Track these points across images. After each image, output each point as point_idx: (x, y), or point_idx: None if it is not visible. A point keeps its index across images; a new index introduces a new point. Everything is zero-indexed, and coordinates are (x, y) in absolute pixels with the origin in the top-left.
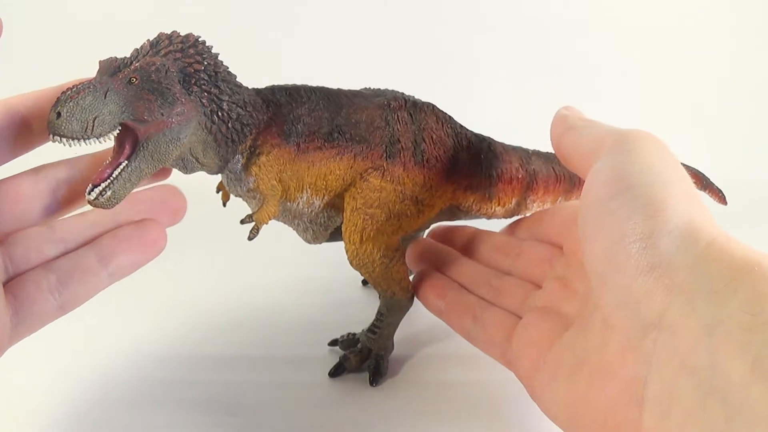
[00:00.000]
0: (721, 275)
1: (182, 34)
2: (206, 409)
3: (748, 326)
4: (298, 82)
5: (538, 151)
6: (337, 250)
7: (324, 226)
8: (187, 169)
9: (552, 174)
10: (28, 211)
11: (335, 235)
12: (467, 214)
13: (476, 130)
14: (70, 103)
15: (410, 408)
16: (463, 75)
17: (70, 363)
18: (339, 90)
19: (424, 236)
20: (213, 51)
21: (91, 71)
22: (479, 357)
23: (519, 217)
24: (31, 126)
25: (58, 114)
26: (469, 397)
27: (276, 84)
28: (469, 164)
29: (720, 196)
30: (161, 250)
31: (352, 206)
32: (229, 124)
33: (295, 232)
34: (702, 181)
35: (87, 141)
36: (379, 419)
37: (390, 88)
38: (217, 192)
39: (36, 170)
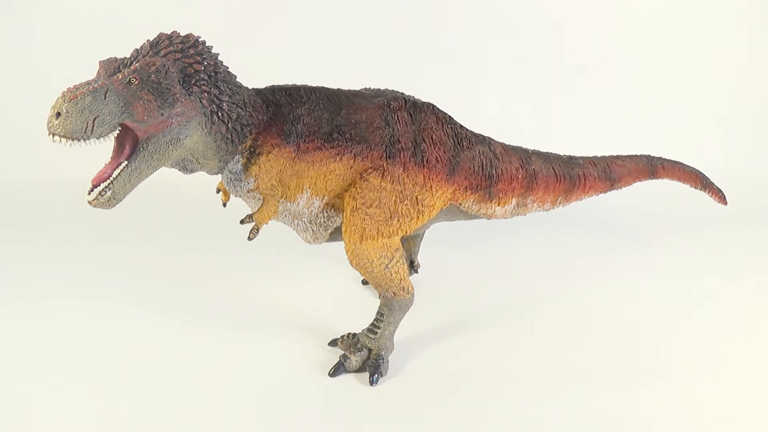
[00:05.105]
0: None
1: (182, 34)
2: (204, 408)
3: None
4: (298, 82)
5: (538, 151)
6: (336, 249)
7: (324, 226)
8: (187, 169)
9: (552, 174)
10: None
11: (335, 235)
12: (467, 214)
13: (476, 130)
14: (70, 104)
15: (410, 408)
16: (463, 75)
17: (70, 358)
18: (339, 90)
19: (424, 237)
20: (213, 51)
21: (91, 71)
22: (480, 357)
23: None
24: None
25: (58, 114)
26: (470, 397)
27: (276, 84)
28: (469, 164)
29: (720, 196)
30: None
31: (351, 206)
32: (229, 125)
33: (294, 232)
34: (702, 181)
35: (87, 141)
36: (379, 419)
37: (390, 88)
38: (217, 192)
39: None
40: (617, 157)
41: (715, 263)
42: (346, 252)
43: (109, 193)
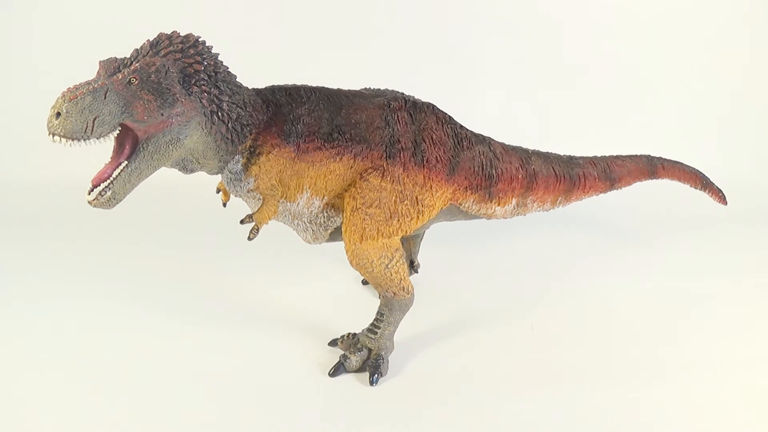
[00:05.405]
0: None
1: (182, 34)
2: (204, 408)
3: None
4: (298, 82)
5: (538, 151)
6: (337, 249)
7: (324, 226)
8: (186, 169)
9: (552, 174)
10: None
11: (335, 235)
12: (467, 214)
13: (476, 130)
14: (70, 104)
15: (410, 408)
16: (463, 75)
17: (70, 358)
18: (339, 90)
19: (423, 237)
20: (213, 51)
21: (91, 71)
22: (480, 357)
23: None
24: None
25: (58, 114)
26: (470, 397)
27: (276, 84)
28: (469, 164)
29: (720, 196)
30: None
31: (351, 206)
32: (229, 125)
33: (294, 232)
34: (702, 181)
35: (87, 141)
36: (379, 419)
37: (390, 88)
38: (217, 192)
39: None
40: (617, 157)
41: (715, 263)
42: (346, 252)
43: (109, 193)
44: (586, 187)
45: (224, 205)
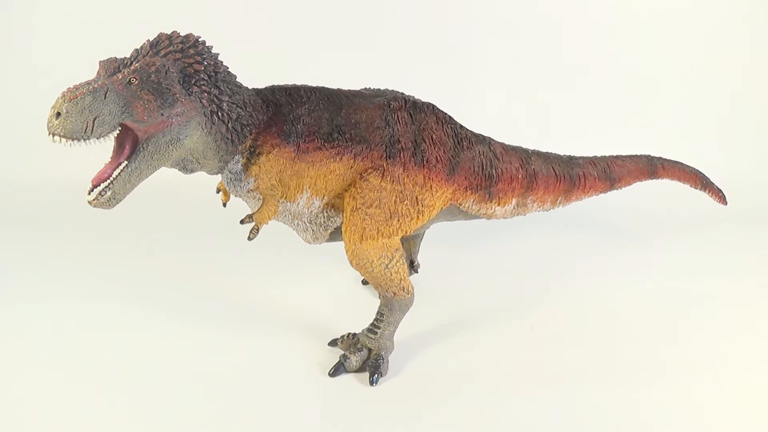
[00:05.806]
0: None
1: (182, 34)
2: (204, 408)
3: None
4: (298, 82)
5: (538, 151)
6: (337, 249)
7: (324, 226)
8: (187, 169)
9: (552, 174)
10: None
11: (335, 235)
12: (467, 214)
13: (476, 130)
14: (70, 104)
15: (410, 408)
16: (463, 75)
17: (70, 358)
18: (339, 90)
19: (423, 237)
20: (213, 51)
21: (91, 71)
22: (480, 357)
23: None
24: None
25: (58, 114)
26: (470, 397)
27: (276, 84)
28: (469, 164)
29: (720, 196)
30: None
31: (351, 206)
32: (229, 125)
33: (294, 232)
34: (702, 181)
35: (87, 141)
36: (379, 419)
37: (390, 88)
38: (217, 192)
39: None
40: (617, 157)
41: (715, 263)
42: (346, 252)
43: (109, 193)
44: (586, 187)
45: (224, 205)
